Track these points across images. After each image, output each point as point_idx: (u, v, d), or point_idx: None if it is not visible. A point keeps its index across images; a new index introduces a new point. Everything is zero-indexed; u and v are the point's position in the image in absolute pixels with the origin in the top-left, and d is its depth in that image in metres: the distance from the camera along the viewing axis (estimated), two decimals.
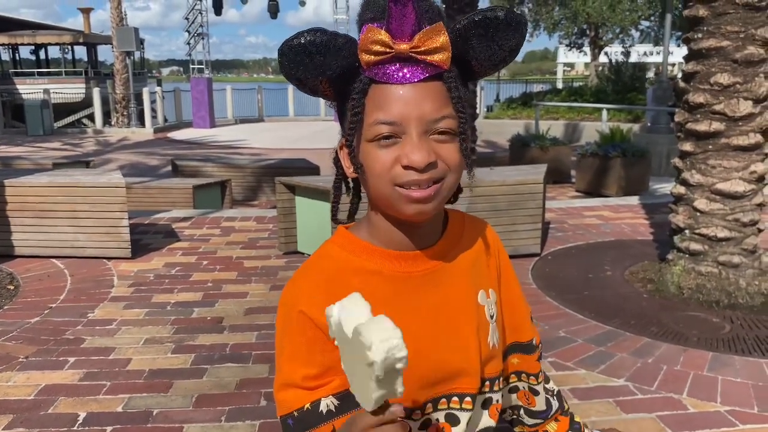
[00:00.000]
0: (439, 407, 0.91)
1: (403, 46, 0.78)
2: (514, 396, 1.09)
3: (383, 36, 0.78)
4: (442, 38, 0.79)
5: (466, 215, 1.02)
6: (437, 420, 0.91)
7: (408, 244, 0.90)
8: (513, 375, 1.07)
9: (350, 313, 0.68)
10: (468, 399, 0.92)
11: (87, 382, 3.22)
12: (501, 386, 1.00)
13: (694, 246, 4.33)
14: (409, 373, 0.89)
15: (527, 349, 1.07)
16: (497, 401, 0.98)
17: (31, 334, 3.81)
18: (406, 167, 0.79)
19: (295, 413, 0.86)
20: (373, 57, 0.79)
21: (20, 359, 3.48)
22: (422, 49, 0.79)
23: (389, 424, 0.68)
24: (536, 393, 1.09)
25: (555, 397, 1.12)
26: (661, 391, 3.07)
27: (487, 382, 0.96)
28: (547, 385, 1.12)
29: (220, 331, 3.84)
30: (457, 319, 0.92)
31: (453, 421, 0.91)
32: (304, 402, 0.85)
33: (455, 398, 0.91)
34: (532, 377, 1.08)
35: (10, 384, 3.20)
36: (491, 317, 0.97)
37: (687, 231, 4.40)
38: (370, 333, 0.63)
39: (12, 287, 4.63)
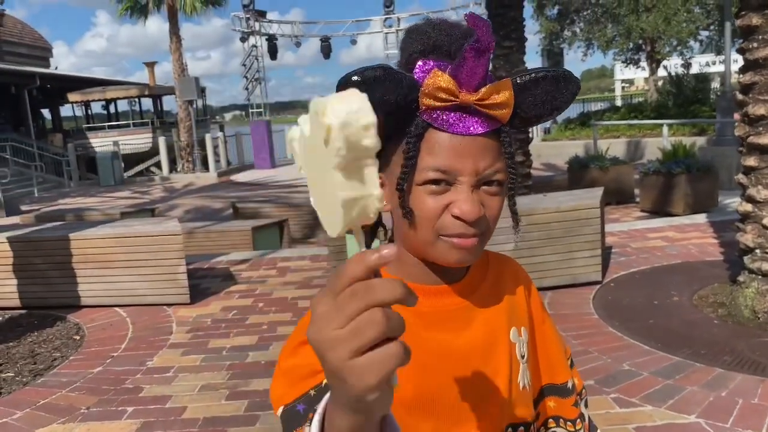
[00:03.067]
0: None
1: (470, 98, 0.78)
2: None
3: (451, 85, 0.77)
4: (507, 94, 0.79)
5: (489, 251, 0.99)
6: None
7: (435, 280, 0.88)
8: (551, 420, 1.02)
9: (303, 118, 0.51)
10: None
11: None
12: (536, 431, 0.95)
13: (767, 266, 4.06)
14: (432, 408, 0.83)
15: (562, 392, 1.02)
16: None
17: (93, 384, 3.91)
18: (456, 217, 0.79)
19: (312, 392, 0.76)
20: (436, 103, 0.78)
21: (82, 410, 3.56)
22: (487, 102, 0.78)
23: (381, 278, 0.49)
24: None
25: None
26: (738, 428, 2.84)
27: (521, 428, 0.91)
28: None
29: None
30: (489, 357, 0.89)
31: None
32: (319, 380, 0.76)
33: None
34: (569, 423, 1.02)
35: None
36: (522, 357, 0.94)
37: (758, 250, 4.14)
38: (325, 100, 0.48)
39: (78, 337, 4.79)
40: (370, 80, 0.74)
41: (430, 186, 0.79)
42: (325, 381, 0.74)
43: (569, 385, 1.02)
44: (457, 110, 0.78)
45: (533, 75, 0.81)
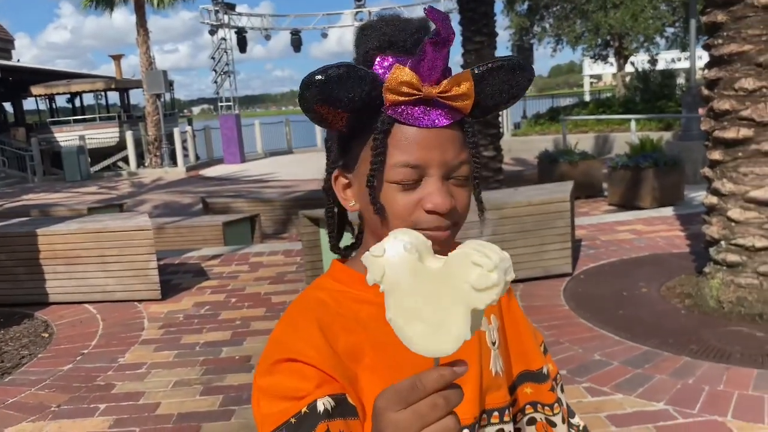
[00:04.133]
0: None
1: (433, 91, 0.78)
2: (532, 428, 1.04)
3: (414, 79, 0.77)
4: (468, 85, 0.80)
5: (457, 242, 0.98)
6: None
7: None
8: (528, 406, 1.02)
9: (414, 244, 0.61)
10: (465, 431, 0.88)
11: (117, 429, 3.22)
12: (511, 416, 0.96)
13: (732, 257, 4.17)
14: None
15: (538, 377, 1.03)
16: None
17: (63, 382, 3.84)
18: (429, 211, 0.80)
19: (293, 420, 0.77)
20: (399, 98, 0.78)
21: (53, 408, 3.50)
22: (450, 94, 0.78)
23: (452, 389, 0.58)
24: (553, 425, 1.04)
25: None
26: (704, 414, 2.92)
27: (496, 413, 0.92)
28: (572, 420, 1.07)
29: (248, 371, 3.81)
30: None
31: None
32: (299, 408, 0.77)
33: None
34: (547, 408, 1.03)
35: None
36: (493, 344, 0.95)
37: (723, 242, 4.25)
38: (479, 245, 0.58)
39: (46, 335, 4.70)
40: (334, 79, 0.75)
41: (401, 182, 0.79)
42: (305, 409, 0.76)
43: (544, 370, 1.03)
44: (421, 104, 0.79)
45: (490, 65, 0.81)
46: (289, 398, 0.78)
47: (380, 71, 0.79)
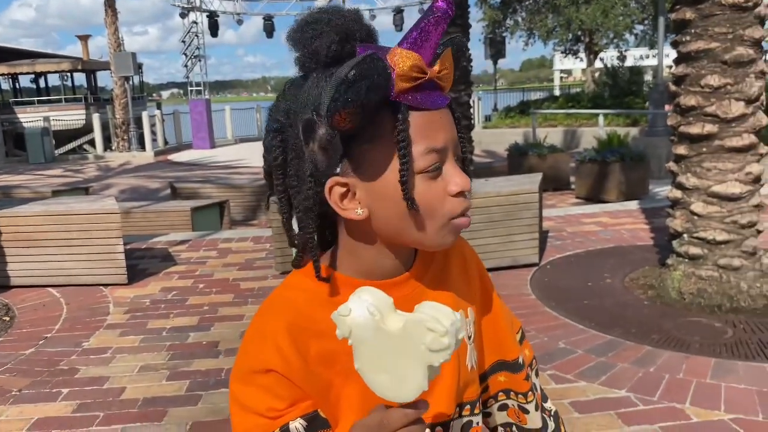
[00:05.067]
0: None
1: (433, 72, 0.76)
2: (504, 413, 1.05)
3: (420, 61, 0.74)
4: (450, 63, 0.79)
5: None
6: None
7: (389, 273, 0.85)
8: (501, 393, 1.03)
9: (376, 306, 0.70)
10: (439, 428, 0.89)
11: (80, 413, 3.17)
12: (480, 409, 0.96)
13: (694, 250, 4.28)
14: (382, 402, 0.85)
15: (513, 367, 1.03)
16: (477, 423, 0.95)
17: (25, 366, 3.77)
18: (457, 195, 0.78)
19: None
20: (409, 84, 0.74)
21: (14, 392, 3.44)
22: (443, 74, 0.77)
23: (416, 425, 0.69)
24: (526, 411, 1.05)
25: (552, 418, 1.08)
26: (664, 401, 3.00)
27: (467, 406, 0.92)
28: (545, 404, 1.08)
29: (216, 356, 3.79)
30: None
31: None
32: (271, 429, 0.80)
33: (427, 429, 0.87)
34: (520, 396, 1.04)
35: (3, 418, 3.16)
36: (469, 338, 0.94)
37: (685, 235, 4.35)
38: (432, 310, 0.67)
39: (7, 318, 4.60)
40: (371, 74, 0.71)
41: (428, 170, 0.76)
42: (277, 431, 0.80)
43: (520, 360, 1.03)
44: (421, 88, 0.75)
45: (456, 44, 0.80)
46: (262, 416, 0.80)
47: None
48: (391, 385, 0.69)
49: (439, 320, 0.65)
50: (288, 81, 0.82)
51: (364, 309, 0.69)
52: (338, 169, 0.76)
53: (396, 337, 0.68)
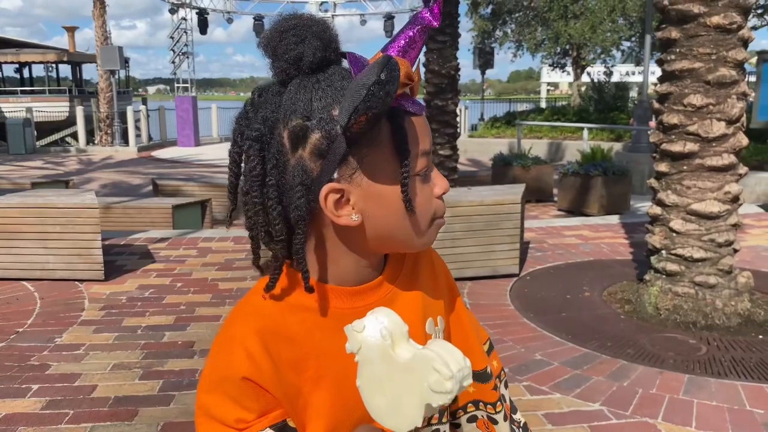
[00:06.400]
0: None
1: (415, 78, 0.77)
2: (473, 425, 1.04)
3: (410, 69, 0.75)
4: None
5: None
6: None
7: (363, 279, 0.85)
8: (470, 404, 1.02)
9: (390, 330, 0.69)
10: None
11: (49, 410, 3.12)
12: (449, 418, 0.96)
13: (671, 266, 4.32)
14: (352, 414, 0.83)
15: (481, 377, 1.02)
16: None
17: None
18: (439, 197, 0.81)
19: None
20: (401, 90, 0.75)
21: None
22: (417, 80, 0.78)
23: None
24: (495, 422, 1.04)
25: (521, 429, 1.08)
26: (636, 416, 3.02)
27: (435, 415, 0.91)
28: (514, 416, 1.08)
29: (191, 356, 3.76)
30: None
31: None
32: None
33: None
34: (489, 406, 1.03)
35: None
36: None
37: (663, 251, 4.39)
38: (444, 351, 0.67)
39: None
40: (396, 77, 0.70)
41: (421, 173, 0.78)
42: None
43: (488, 370, 1.03)
44: (405, 94, 0.77)
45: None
46: (231, 427, 0.78)
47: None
48: (387, 412, 0.70)
49: (448, 363, 0.65)
50: (257, 89, 0.80)
51: (377, 330, 0.69)
52: (335, 175, 0.75)
53: (402, 368, 0.68)
